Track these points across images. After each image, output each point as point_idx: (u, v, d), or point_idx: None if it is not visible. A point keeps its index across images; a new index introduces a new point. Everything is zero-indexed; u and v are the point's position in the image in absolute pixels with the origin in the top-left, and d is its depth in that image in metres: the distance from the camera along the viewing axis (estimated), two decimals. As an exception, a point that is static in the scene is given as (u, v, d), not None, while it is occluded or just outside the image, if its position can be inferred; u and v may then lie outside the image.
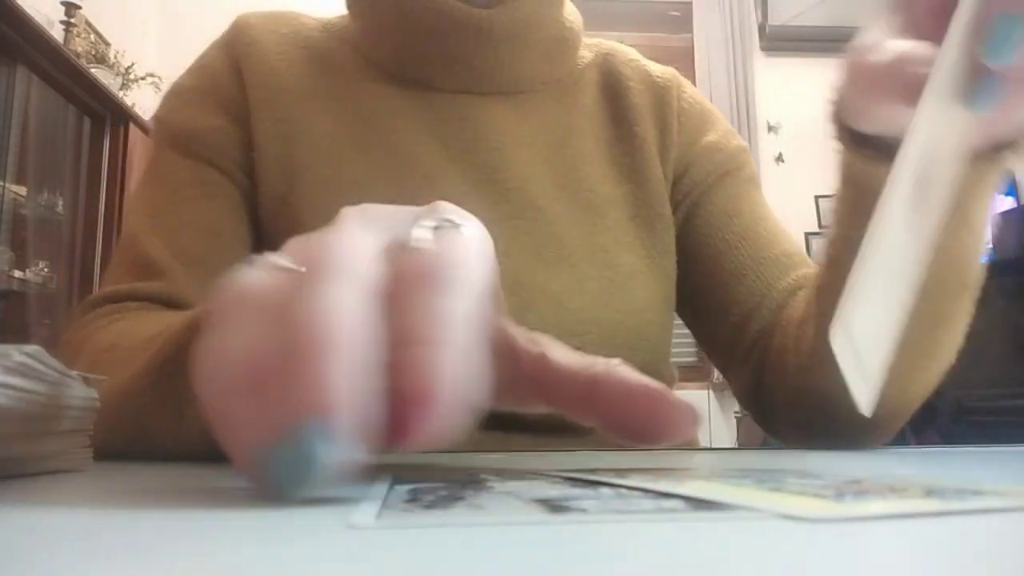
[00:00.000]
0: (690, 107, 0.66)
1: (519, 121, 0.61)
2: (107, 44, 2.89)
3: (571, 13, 0.66)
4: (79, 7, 2.57)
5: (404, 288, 0.21)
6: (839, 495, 0.19)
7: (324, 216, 0.47)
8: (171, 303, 0.52)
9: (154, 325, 0.43)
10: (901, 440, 0.55)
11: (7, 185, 2.12)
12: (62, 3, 2.51)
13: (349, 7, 0.64)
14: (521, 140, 0.60)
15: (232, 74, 0.59)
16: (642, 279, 0.59)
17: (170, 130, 0.59)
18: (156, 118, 0.61)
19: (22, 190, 2.24)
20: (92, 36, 2.76)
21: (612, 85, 0.65)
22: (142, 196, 0.58)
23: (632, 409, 0.27)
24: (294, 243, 0.23)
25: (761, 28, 3.80)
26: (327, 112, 0.58)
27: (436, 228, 0.24)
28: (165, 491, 0.27)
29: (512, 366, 0.27)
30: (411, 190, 0.55)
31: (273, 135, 0.57)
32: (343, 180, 0.56)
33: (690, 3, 3.85)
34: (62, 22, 2.51)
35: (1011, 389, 1.65)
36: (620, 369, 0.27)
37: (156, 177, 0.58)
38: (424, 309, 0.21)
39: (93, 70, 2.46)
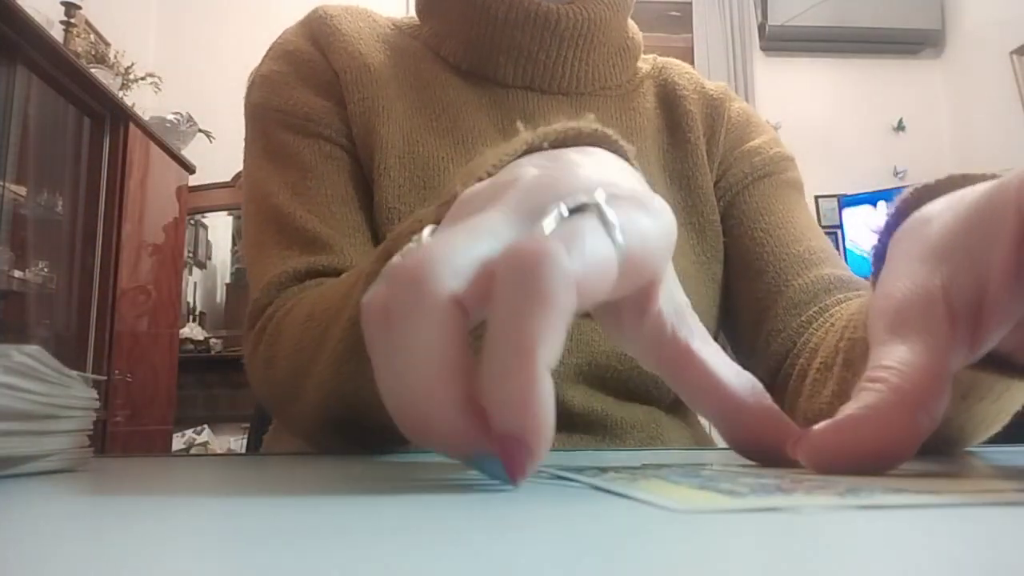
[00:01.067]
0: (738, 116, 0.68)
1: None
2: (107, 44, 2.89)
3: (634, 27, 0.68)
4: (79, 7, 2.57)
5: (496, 304, 0.21)
6: (751, 492, 0.20)
7: (397, 191, 0.56)
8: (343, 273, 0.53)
9: (342, 284, 0.44)
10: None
11: (7, 185, 2.12)
12: (62, 3, 2.51)
13: (418, 9, 0.67)
14: None
15: (322, 60, 0.62)
16: (693, 283, 0.60)
17: (281, 114, 0.60)
18: (258, 104, 0.62)
19: (22, 190, 2.24)
20: (92, 36, 2.76)
21: (668, 94, 0.67)
22: (275, 178, 0.59)
23: (759, 440, 0.29)
24: (404, 255, 0.24)
25: (761, 28, 3.80)
26: (404, 96, 0.61)
27: (575, 211, 0.23)
28: (165, 491, 0.27)
29: (654, 345, 0.28)
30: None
31: (358, 112, 0.59)
32: (417, 157, 0.58)
33: (690, 3, 3.85)
34: (62, 22, 2.51)
35: None
36: (765, 402, 0.29)
37: (282, 159, 0.59)
38: (508, 335, 0.21)
39: (93, 70, 2.46)
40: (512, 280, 0.21)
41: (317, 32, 0.63)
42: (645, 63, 0.70)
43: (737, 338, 0.62)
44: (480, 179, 0.28)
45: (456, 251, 0.22)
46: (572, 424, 0.54)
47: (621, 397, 0.56)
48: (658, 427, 0.57)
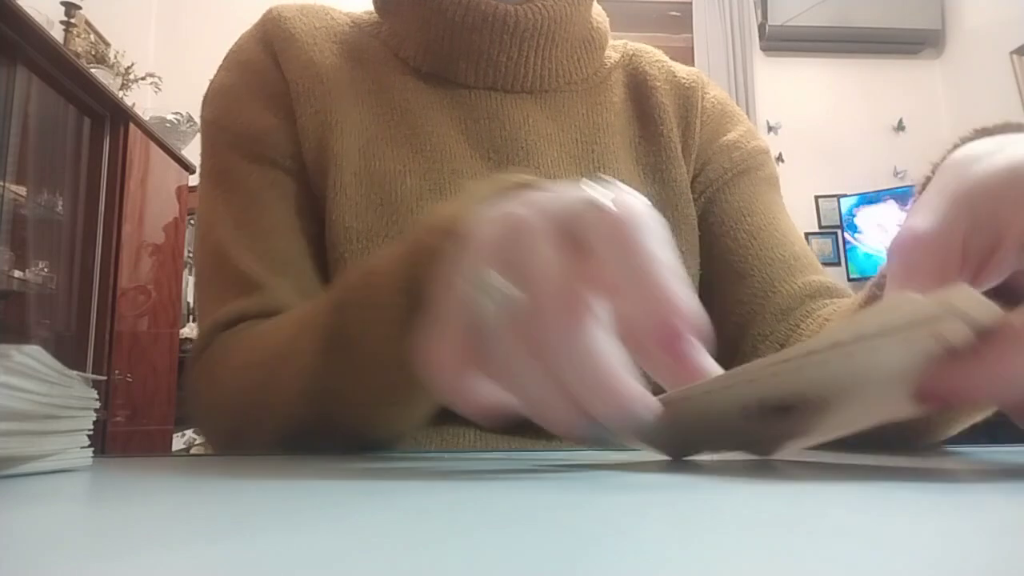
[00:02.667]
0: (712, 107, 0.67)
1: (547, 119, 0.61)
2: (107, 44, 2.89)
3: (599, 14, 0.66)
4: (79, 7, 2.57)
5: (612, 247, 0.27)
6: None
7: (354, 208, 0.55)
8: (271, 314, 0.53)
9: (283, 331, 0.46)
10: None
11: (7, 185, 2.12)
12: (62, 3, 2.51)
13: (376, 7, 0.65)
14: (549, 138, 0.60)
15: (274, 68, 0.60)
16: None
17: (229, 134, 0.59)
18: (210, 122, 0.61)
19: (22, 190, 2.24)
20: (92, 36, 2.76)
21: (638, 85, 0.66)
22: (220, 206, 0.58)
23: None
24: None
25: (761, 28, 3.80)
26: (360, 105, 0.59)
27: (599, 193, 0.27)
28: (166, 491, 0.27)
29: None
30: (440, 184, 0.56)
31: (311, 127, 0.58)
32: (375, 173, 0.57)
33: (690, 3, 3.85)
34: (62, 22, 2.51)
35: None
36: None
37: (228, 184, 0.58)
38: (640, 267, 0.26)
39: (93, 70, 2.46)
40: (624, 233, 0.27)
41: (272, 35, 0.61)
42: (615, 51, 0.68)
43: (720, 338, 0.62)
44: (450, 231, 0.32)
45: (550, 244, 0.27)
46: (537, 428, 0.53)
47: None
48: None
